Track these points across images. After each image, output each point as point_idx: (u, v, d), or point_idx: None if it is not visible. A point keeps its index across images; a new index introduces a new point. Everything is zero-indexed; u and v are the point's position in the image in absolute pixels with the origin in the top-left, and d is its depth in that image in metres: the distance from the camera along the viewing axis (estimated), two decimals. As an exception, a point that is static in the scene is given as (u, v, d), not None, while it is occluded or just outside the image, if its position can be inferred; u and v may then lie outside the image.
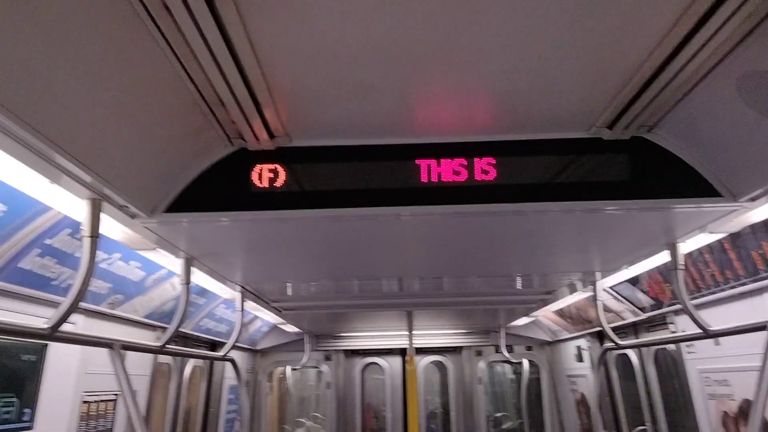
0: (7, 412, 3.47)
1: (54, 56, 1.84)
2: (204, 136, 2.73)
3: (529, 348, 9.64)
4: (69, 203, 2.57)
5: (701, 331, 3.42)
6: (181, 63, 2.14)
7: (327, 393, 9.87)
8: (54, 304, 3.39)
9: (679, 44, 2.12)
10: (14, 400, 3.53)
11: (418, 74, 2.33)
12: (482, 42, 2.12)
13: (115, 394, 4.66)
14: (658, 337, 5.66)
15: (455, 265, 4.48)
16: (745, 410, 4.48)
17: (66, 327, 2.53)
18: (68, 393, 4.06)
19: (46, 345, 3.72)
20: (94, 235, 2.50)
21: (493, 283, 5.37)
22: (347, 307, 6.44)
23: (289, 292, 5.48)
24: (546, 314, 7.71)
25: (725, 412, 4.73)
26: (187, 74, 2.23)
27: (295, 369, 9.26)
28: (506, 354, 9.36)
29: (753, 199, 2.79)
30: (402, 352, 9.87)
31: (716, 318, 3.79)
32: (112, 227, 2.88)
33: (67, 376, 4.04)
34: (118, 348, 2.94)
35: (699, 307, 4.25)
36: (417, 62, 2.24)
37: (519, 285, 5.45)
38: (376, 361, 10.09)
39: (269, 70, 2.24)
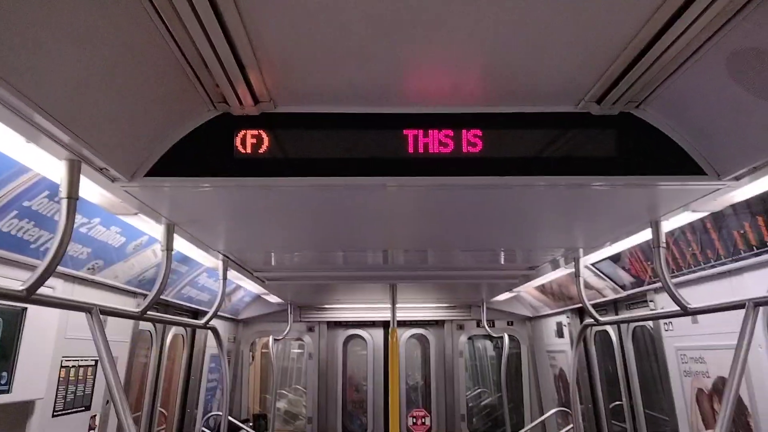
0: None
1: (33, 15, 1.79)
2: (187, 99, 2.67)
3: (510, 323, 9.75)
4: (47, 164, 2.51)
5: (680, 308, 3.45)
6: (164, 23, 2.09)
7: (309, 364, 9.93)
8: (32, 268, 3.35)
9: (670, 19, 2.09)
10: (-9, 363, 3.51)
11: (408, 42, 2.29)
12: (474, 11, 2.08)
13: (95, 360, 4.64)
14: (638, 314, 5.73)
15: (440, 239, 4.48)
16: (719, 387, 4.56)
17: (44, 291, 2.50)
18: (47, 357, 4.04)
19: (25, 309, 3.68)
20: (72, 197, 2.45)
21: (477, 258, 5.38)
22: (331, 279, 6.44)
23: (273, 262, 5.46)
24: (528, 290, 7.77)
25: (700, 389, 4.81)
26: (171, 35, 2.17)
27: (277, 339, 9.30)
28: (487, 329, 9.45)
29: (737, 179, 2.80)
30: (385, 324, 9.93)
31: (695, 297, 3.83)
32: (91, 190, 2.83)
33: (46, 340, 4.01)
34: (97, 313, 2.90)
35: (679, 285, 4.29)
36: (408, 29, 2.20)
37: (502, 260, 5.48)
38: (358, 333, 10.15)
39: (254, 32, 2.19)
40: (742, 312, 2.91)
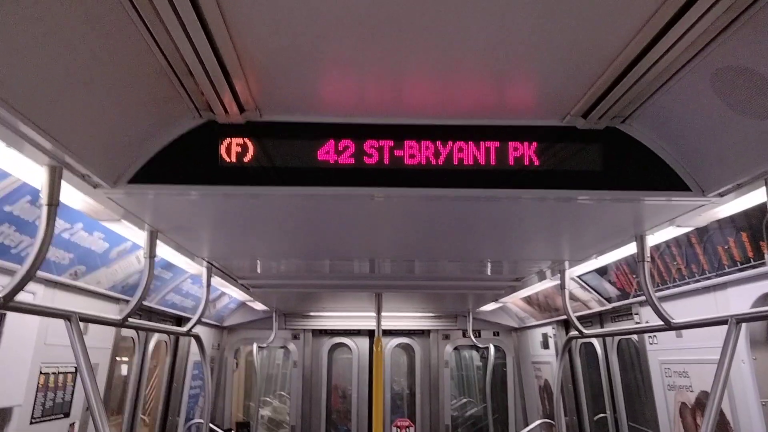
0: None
1: (17, 21, 1.76)
2: (172, 107, 2.65)
3: (495, 333, 9.74)
4: (27, 169, 2.48)
5: (664, 323, 3.46)
6: (148, 29, 2.06)
7: (293, 372, 9.87)
8: (12, 273, 3.30)
9: (656, 35, 2.10)
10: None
11: (396, 53, 2.28)
12: (462, 24, 2.08)
13: (76, 367, 4.58)
14: (623, 327, 5.74)
15: (427, 249, 4.46)
16: (702, 402, 4.57)
17: (23, 297, 2.46)
18: (25, 363, 3.98)
19: (3, 314, 3.63)
20: (53, 203, 2.41)
21: (463, 268, 5.37)
22: (316, 287, 6.40)
23: (258, 269, 5.42)
24: (514, 301, 7.77)
25: (683, 403, 4.82)
26: (155, 41, 2.15)
27: (261, 347, 9.23)
28: (473, 339, 9.44)
29: (721, 195, 2.81)
30: (370, 333, 9.90)
31: (679, 310, 3.84)
32: (73, 196, 2.79)
33: (25, 346, 3.95)
34: (76, 320, 2.86)
35: (663, 299, 4.30)
36: (395, 40, 2.19)
37: (489, 271, 5.47)
38: (343, 342, 10.10)
39: (240, 41, 2.17)
40: (725, 327, 2.92)
